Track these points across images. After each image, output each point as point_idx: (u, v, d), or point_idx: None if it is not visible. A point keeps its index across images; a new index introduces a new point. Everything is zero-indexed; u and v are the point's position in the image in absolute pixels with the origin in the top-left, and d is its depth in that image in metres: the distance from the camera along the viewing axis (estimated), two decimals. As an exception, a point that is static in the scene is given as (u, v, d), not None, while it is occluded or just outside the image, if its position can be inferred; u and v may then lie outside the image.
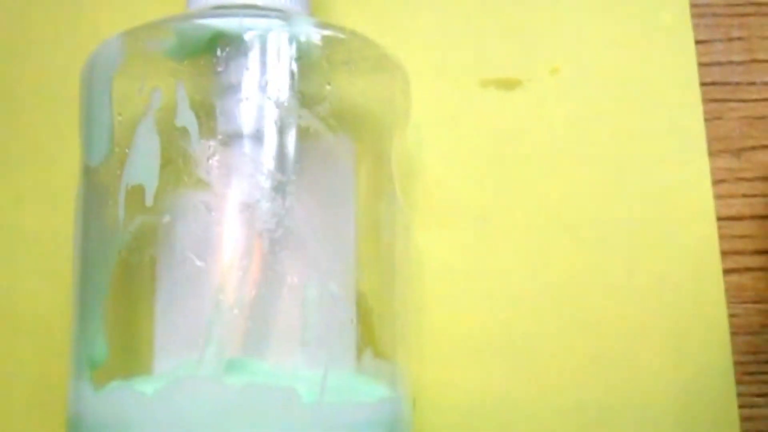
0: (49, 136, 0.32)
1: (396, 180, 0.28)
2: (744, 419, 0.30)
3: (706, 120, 0.32)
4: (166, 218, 0.24)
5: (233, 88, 0.24)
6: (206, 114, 0.24)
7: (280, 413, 0.23)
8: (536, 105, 0.32)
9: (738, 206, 0.32)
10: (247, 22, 0.25)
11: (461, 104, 0.32)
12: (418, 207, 0.31)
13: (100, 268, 0.25)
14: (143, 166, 0.24)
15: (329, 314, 0.25)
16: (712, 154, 0.32)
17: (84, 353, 0.25)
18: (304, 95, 0.25)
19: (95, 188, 0.25)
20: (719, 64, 0.33)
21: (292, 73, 0.24)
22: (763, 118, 0.32)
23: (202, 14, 0.25)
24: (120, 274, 0.25)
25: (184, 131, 0.24)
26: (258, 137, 0.24)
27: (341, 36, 0.26)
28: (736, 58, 0.33)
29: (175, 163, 0.24)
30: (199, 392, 0.22)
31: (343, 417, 0.23)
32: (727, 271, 0.31)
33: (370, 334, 0.26)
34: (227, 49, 0.24)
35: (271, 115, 0.24)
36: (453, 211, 0.31)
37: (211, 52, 0.24)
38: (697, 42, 0.33)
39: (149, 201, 0.24)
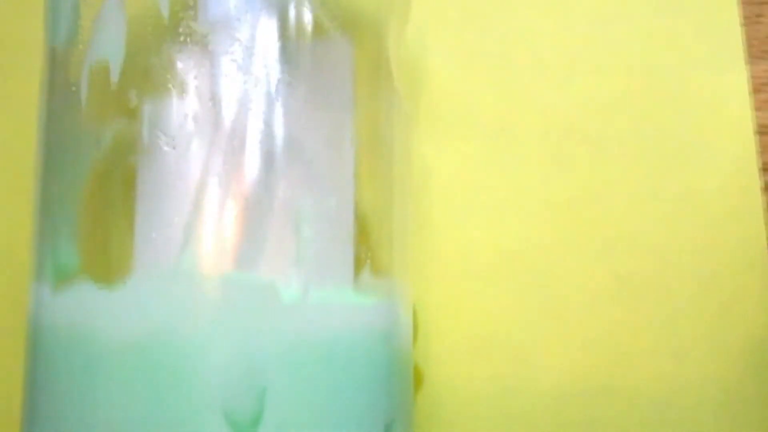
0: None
1: (398, 83, 0.25)
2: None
3: (743, 24, 0.29)
4: (134, 101, 0.21)
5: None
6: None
7: (257, 312, 0.20)
8: (555, 3, 0.29)
9: (779, 118, 0.28)
10: None
11: (469, 3, 0.29)
12: (425, 117, 0.28)
13: (68, 162, 0.22)
14: (109, 40, 0.21)
15: (324, 230, 0.22)
16: (751, 59, 0.29)
17: (49, 259, 0.22)
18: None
19: (59, 71, 0.23)
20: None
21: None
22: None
23: None
24: (93, 171, 0.22)
25: (156, 7, 0.21)
26: (246, 32, 0.22)
27: None
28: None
29: (149, 51, 0.21)
30: (167, 286, 0.20)
31: (328, 320, 0.21)
32: (766, 188, 0.28)
33: (369, 252, 0.23)
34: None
35: (261, 6, 0.22)
36: (462, 121, 0.29)
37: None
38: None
39: (114, 77, 0.21)
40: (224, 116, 0.21)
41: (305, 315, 0.20)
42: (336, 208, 0.22)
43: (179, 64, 0.21)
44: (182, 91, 0.21)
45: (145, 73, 0.21)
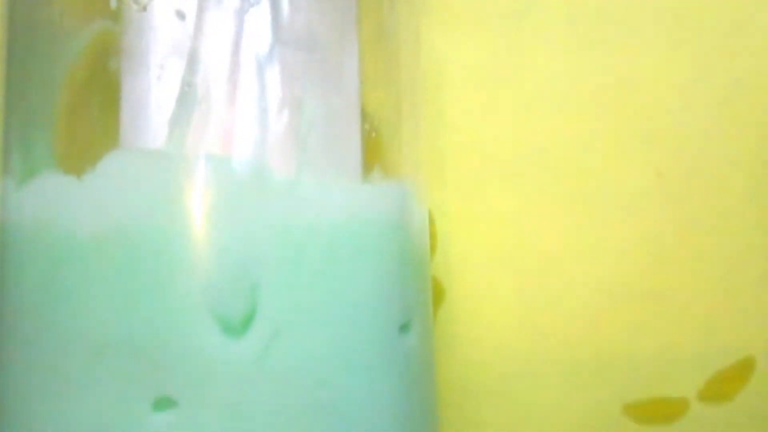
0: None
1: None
2: None
3: None
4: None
5: None
6: None
7: (246, 196, 0.17)
8: None
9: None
10: None
11: None
12: (434, 3, 0.25)
13: (40, 44, 0.20)
14: None
15: (330, 131, 0.19)
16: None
17: (16, 152, 0.19)
18: None
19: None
20: None
21: None
22: None
23: None
24: (70, 50, 0.19)
25: None
26: None
27: None
28: None
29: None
30: (146, 169, 0.17)
31: (327, 204, 0.18)
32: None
33: (378, 153, 0.20)
34: None
35: None
36: (476, 4, 0.25)
37: None
38: None
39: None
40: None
41: (300, 198, 0.18)
42: (339, 101, 0.20)
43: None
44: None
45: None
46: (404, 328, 0.19)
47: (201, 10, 0.18)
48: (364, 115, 0.20)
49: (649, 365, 0.24)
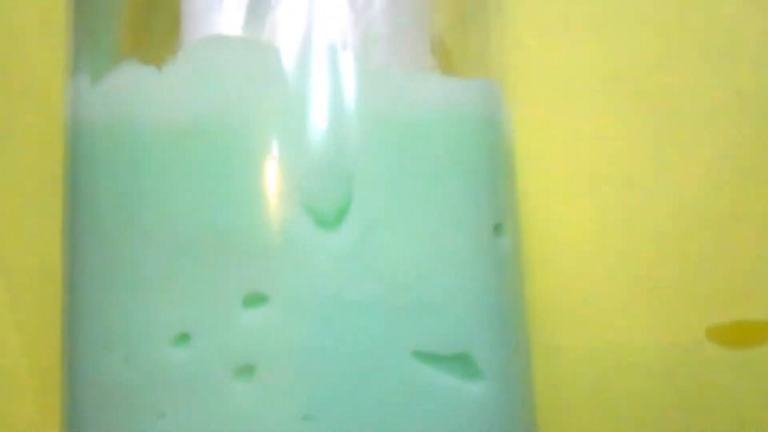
0: None
1: None
2: None
3: None
4: None
5: None
6: None
7: (339, 77, 0.16)
8: None
9: None
10: None
11: None
12: None
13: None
14: None
15: (420, 24, 0.18)
16: None
17: (87, 48, 0.19)
18: None
19: None
20: None
21: None
22: None
23: None
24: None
25: None
26: None
27: None
28: None
29: None
30: (232, 56, 0.16)
31: (421, 93, 0.17)
32: None
33: (470, 52, 0.19)
34: None
35: None
36: None
37: None
38: None
39: None
40: None
41: (395, 89, 0.17)
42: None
43: None
44: None
45: None
46: (497, 229, 0.18)
47: None
48: (454, 12, 0.19)
49: (732, 287, 0.23)
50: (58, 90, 0.24)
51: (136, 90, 0.17)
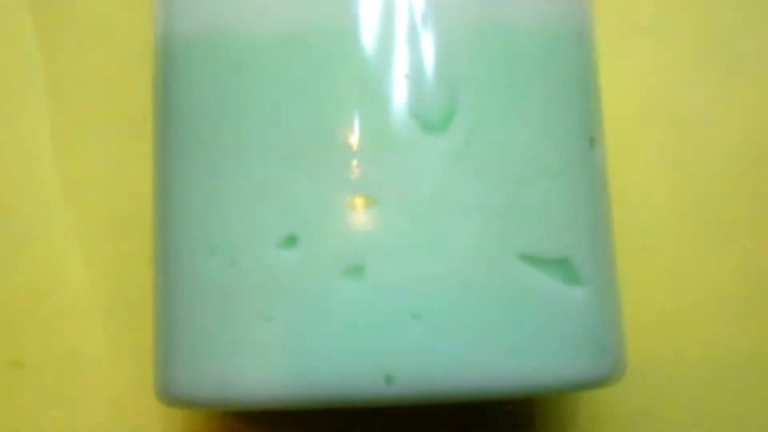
0: None
1: None
2: None
3: None
4: None
5: None
6: None
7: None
8: None
9: None
10: None
11: None
12: None
13: None
14: None
15: None
16: None
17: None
18: None
19: None
20: None
21: None
22: None
23: None
24: None
25: None
26: None
27: None
28: None
29: None
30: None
31: (522, 3, 0.17)
32: None
33: None
34: None
35: None
36: None
37: None
38: None
39: None
40: None
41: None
42: None
43: None
44: None
45: None
46: (592, 141, 0.18)
47: None
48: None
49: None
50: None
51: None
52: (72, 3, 0.26)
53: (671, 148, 0.24)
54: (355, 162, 0.16)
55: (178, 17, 0.18)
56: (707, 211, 0.24)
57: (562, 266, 0.17)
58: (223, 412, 0.23)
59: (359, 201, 0.16)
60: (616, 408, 0.23)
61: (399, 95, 0.16)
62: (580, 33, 0.18)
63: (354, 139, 0.16)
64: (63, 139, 0.25)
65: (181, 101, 0.18)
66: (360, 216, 0.16)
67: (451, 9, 0.17)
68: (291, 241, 0.16)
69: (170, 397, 0.18)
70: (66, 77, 0.25)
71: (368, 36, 0.17)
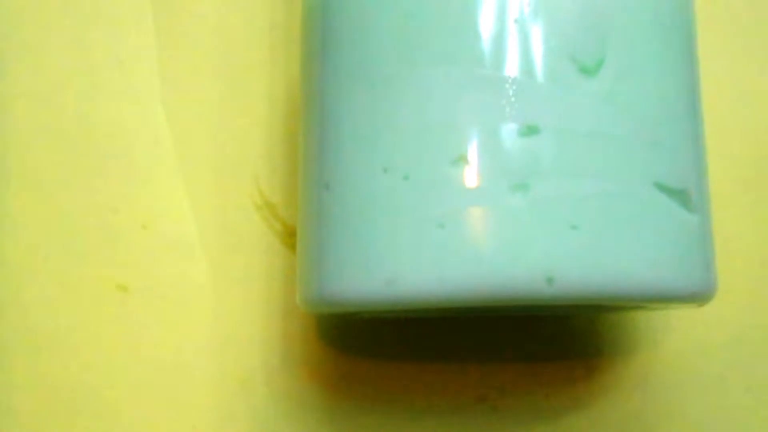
0: None
1: None
2: None
3: None
4: None
5: None
6: None
7: None
8: None
9: None
10: None
11: None
12: None
13: None
14: None
15: None
16: None
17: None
18: None
19: None
20: None
21: None
22: None
23: None
24: None
25: None
26: None
27: None
28: None
29: None
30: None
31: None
32: None
33: None
34: None
35: None
36: None
37: None
38: None
39: None
40: None
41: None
42: None
43: None
44: None
45: None
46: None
47: None
48: None
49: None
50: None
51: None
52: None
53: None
54: (521, 96, 0.19)
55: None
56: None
57: (682, 195, 0.20)
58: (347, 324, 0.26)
59: (525, 129, 0.19)
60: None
61: (561, 44, 0.19)
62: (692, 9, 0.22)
63: (521, 75, 0.19)
64: (171, 82, 0.27)
65: (353, 39, 0.20)
66: (526, 142, 0.19)
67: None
68: (463, 159, 0.19)
69: (333, 300, 0.20)
70: (175, 24, 0.27)
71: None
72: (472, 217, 0.19)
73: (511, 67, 0.19)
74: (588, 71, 0.19)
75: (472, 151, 0.19)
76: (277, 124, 0.27)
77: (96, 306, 0.26)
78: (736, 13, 0.28)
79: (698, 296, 0.20)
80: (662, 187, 0.20)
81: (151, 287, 0.26)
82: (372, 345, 0.26)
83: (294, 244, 0.25)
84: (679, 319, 0.26)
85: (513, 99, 0.19)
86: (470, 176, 0.19)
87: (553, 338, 0.26)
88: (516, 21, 0.19)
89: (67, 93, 0.27)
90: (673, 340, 0.26)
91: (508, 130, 0.19)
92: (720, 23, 0.28)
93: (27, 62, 0.27)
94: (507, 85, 0.19)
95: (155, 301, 0.26)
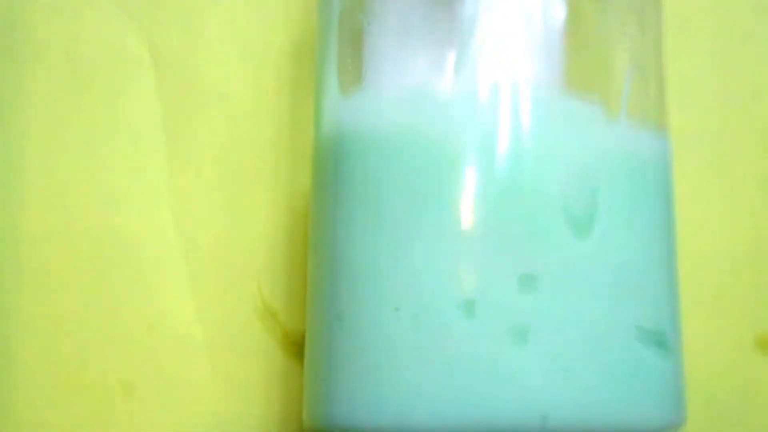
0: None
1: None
2: None
3: None
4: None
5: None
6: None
7: (580, 127, 0.22)
8: None
9: None
10: None
11: None
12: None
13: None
14: None
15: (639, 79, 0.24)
16: None
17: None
18: None
19: None
20: None
21: None
22: None
23: None
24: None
25: None
26: None
27: None
28: None
29: None
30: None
31: (643, 140, 0.23)
32: None
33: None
34: None
35: None
36: None
37: None
38: None
39: None
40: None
41: (621, 136, 0.23)
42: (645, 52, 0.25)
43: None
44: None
45: None
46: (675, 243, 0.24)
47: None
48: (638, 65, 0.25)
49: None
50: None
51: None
52: (193, 65, 0.29)
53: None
54: (521, 248, 0.21)
55: (362, 118, 0.23)
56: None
57: (660, 336, 0.22)
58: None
59: (525, 278, 0.21)
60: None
61: (555, 199, 0.22)
62: (665, 165, 0.24)
63: (520, 230, 0.21)
64: (179, 187, 0.29)
65: (365, 181, 0.22)
66: (523, 291, 0.21)
67: (591, 137, 0.22)
68: (469, 305, 0.21)
69: (340, 425, 0.22)
70: (184, 135, 0.29)
71: (533, 156, 0.22)
72: (475, 360, 0.21)
73: (511, 223, 0.21)
74: (579, 228, 0.22)
75: (478, 297, 0.21)
76: (280, 234, 0.28)
77: (101, 404, 0.27)
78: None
79: (671, 426, 0.23)
80: (642, 330, 0.22)
81: (156, 387, 0.27)
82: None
83: (294, 352, 0.27)
84: None
85: (514, 249, 0.21)
86: (473, 322, 0.21)
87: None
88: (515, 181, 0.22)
89: (78, 198, 0.28)
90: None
91: (510, 278, 0.21)
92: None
93: (40, 168, 0.28)
94: (508, 236, 0.21)
95: (159, 401, 0.27)
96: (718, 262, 0.30)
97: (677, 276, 0.24)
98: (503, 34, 0.22)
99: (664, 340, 0.22)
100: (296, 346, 0.27)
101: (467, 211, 0.21)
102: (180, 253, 0.28)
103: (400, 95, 0.22)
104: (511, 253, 0.21)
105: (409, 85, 0.23)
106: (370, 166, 0.23)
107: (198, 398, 0.27)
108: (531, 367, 0.21)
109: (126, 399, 0.27)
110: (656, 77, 0.25)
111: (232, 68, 0.29)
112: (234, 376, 0.28)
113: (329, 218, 0.23)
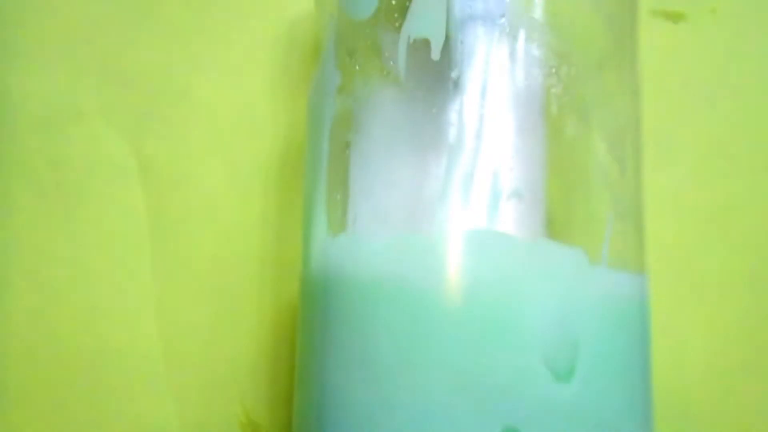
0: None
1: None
2: None
3: None
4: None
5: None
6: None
7: (568, 274, 0.23)
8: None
9: None
10: None
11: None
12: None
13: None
14: (429, 18, 0.23)
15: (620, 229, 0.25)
16: None
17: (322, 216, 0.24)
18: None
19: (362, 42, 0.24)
20: None
21: None
22: None
23: None
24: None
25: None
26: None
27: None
28: None
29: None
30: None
31: (623, 288, 0.23)
32: None
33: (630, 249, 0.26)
34: None
35: None
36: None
37: None
38: None
39: (435, 55, 0.23)
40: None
41: (601, 282, 0.23)
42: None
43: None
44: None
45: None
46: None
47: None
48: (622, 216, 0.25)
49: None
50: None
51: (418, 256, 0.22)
52: (180, 178, 0.29)
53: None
54: (502, 399, 0.22)
55: (353, 265, 0.23)
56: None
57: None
58: None
59: (508, 430, 0.22)
60: None
61: (534, 351, 0.22)
62: (645, 308, 0.25)
63: (501, 381, 0.22)
64: (165, 300, 0.29)
65: (352, 327, 0.23)
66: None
67: (569, 286, 0.23)
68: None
69: None
70: (170, 249, 0.29)
71: (512, 308, 0.22)
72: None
73: (493, 374, 0.22)
74: (560, 378, 0.22)
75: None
76: (264, 349, 0.29)
77: None
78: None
79: None
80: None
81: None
82: None
83: (277, 469, 0.28)
84: None
85: (494, 401, 0.22)
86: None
87: None
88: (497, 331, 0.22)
89: (64, 311, 0.28)
90: None
91: (491, 430, 0.22)
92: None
93: (26, 280, 0.28)
94: (489, 389, 0.22)
95: None
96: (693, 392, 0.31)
97: (653, 414, 0.24)
98: (484, 182, 0.23)
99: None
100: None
101: (445, 368, 0.22)
102: (164, 366, 0.28)
103: (383, 242, 0.23)
104: (492, 405, 0.22)
105: (390, 232, 0.23)
106: (356, 308, 0.23)
107: None
108: None
109: None
110: (636, 220, 0.25)
111: (218, 181, 0.29)
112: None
113: (316, 349, 0.24)
